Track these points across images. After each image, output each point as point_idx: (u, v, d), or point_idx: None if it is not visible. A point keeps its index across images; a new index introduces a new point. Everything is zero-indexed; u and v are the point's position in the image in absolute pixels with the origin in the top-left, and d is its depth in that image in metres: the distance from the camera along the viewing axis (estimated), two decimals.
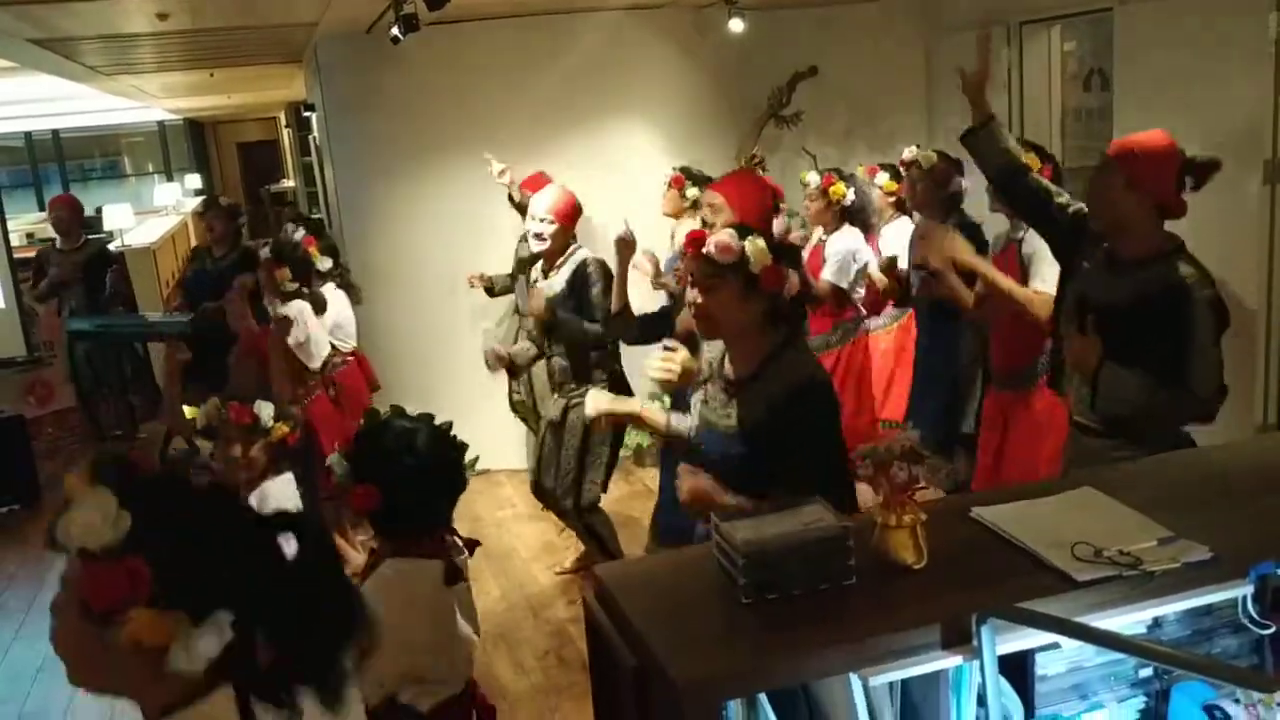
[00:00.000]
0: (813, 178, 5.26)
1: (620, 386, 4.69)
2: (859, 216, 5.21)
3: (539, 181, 5.66)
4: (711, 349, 2.71)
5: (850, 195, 5.16)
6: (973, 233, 4.41)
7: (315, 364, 5.13)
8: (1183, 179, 2.80)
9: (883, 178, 5.27)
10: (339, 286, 5.57)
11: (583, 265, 4.62)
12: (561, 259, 4.68)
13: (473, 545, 2.62)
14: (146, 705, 1.34)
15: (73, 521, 1.27)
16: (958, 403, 4.49)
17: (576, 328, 4.58)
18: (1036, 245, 3.81)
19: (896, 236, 5.16)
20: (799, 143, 6.59)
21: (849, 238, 5.16)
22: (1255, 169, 4.54)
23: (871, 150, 6.53)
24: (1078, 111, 6.57)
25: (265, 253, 5.37)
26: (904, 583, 1.74)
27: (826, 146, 6.60)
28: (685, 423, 2.77)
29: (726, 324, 2.52)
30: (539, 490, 4.96)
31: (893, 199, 5.26)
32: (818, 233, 5.28)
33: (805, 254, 5.34)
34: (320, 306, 5.17)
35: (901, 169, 4.96)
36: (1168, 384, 2.73)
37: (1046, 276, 3.75)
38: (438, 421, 2.58)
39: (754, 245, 2.44)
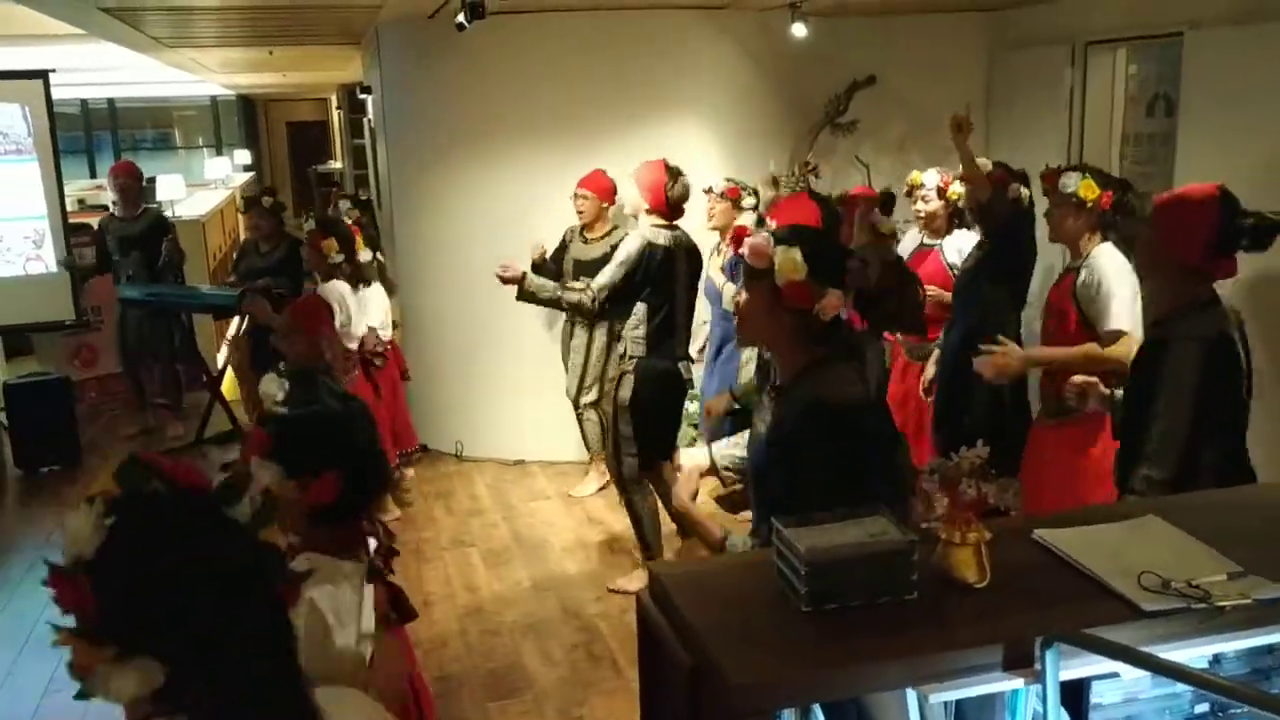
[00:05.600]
0: (929, 178, 5.06)
1: (672, 380, 4.70)
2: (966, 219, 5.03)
3: (598, 180, 5.67)
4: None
5: (963, 198, 4.91)
6: (1018, 237, 4.37)
7: (353, 344, 5.19)
8: (1226, 238, 2.63)
9: (957, 187, 4.95)
10: (378, 279, 5.68)
11: (624, 239, 4.73)
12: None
13: (391, 554, 2.45)
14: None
15: (67, 525, 1.26)
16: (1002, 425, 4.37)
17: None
18: (1101, 278, 3.62)
19: (961, 246, 4.96)
20: (853, 151, 6.55)
21: (969, 240, 4.91)
22: None
23: (926, 163, 6.46)
24: (1138, 136, 6.50)
25: (309, 225, 5.45)
26: (965, 601, 1.72)
27: (881, 156, 6.56)
28: (739, 545, 2.73)
29: (755, 330, 2.45)
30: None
31: (951, 209, 5.03)
32: (917, 237, 5.16)
33: (913, 258, 5.20)
34: (361, 280, 5.24)
35: (959, 183, 4.89)
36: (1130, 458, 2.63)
37: (1118, 313, 3.59)
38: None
39: (785, 255, 2.28)
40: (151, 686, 1.22)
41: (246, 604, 1.28)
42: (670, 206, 4.69)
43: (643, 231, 4.66)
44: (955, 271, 4.92)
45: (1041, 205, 4.03)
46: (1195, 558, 1.81)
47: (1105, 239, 3.75)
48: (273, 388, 3.39)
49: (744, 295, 2.42)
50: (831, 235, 4.29)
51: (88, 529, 1.24)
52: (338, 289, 5.09)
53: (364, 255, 5.61)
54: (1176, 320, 2.69)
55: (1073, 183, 3.72)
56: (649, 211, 4.70)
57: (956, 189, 4.93)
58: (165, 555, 1.25)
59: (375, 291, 5.66)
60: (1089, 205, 3.70)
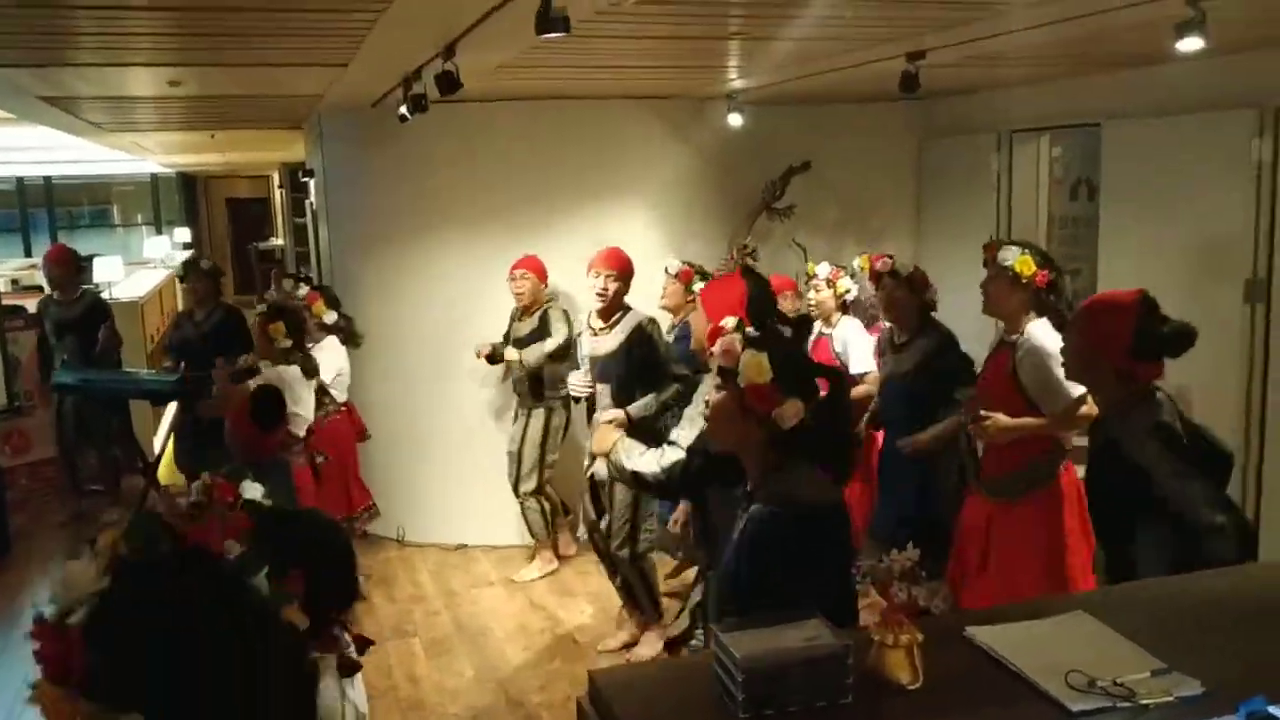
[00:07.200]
0: (822, 269, 5.34)
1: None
2: (859, 309, 5.40)
3: (535, 262, 5.81)
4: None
5: (854, 290, 5.33)
6: (951, 352, 4.44)
7: (300, 432, 5.14)
8: (1146, 344, 2.67)
9: (845, 281, 5.31)
10: (342, 341, 5.68)
11: (639, 328, 4.82)
12: (617, 317, 4.87)
13: (365, 644, 2.50)
14: None
15: (65, 572, 1.19)
16: (937, 506, 4.40)
17: (651, 418, 4.68)
18: (1045, 356, 3.69)
19: (853, 338, 5.25)
20: (790, 234, 6.70)
21: (854, 327, 5.27)
22: (1236, 287, 4.65)
23: (860, 244, 6.63)
24: (1064, 219, 6.72)
25: (259, 309, 5.44)
26: (899, 703, 1.75)
27: (817, 239, 6.71)
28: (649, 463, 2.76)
29: (723, 431, 2.40)
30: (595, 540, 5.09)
31: (840, 301, 5.32)
32: (818, 325, 5.36)
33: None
34: (311, 371, 5.21)
35: (873, 283, 4.94)
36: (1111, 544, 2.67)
37: (1061, 379, 3.57)
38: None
39: (750, 357, 2.29)
40: None
41: (255, 670, 1.20)
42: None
43: (640, 314, 4.89)
44: (843, 358, 5.16)
45: (978, 276, 4.08)
46: (1121, 655, 1.86)
47: (1040, 316, 3.80)
48: (253, 492, 3.35)
49: (714, 394, 2.40)
50: (766, 314, 4.47)
51: (86, 579, 1.17)
52: (289, 375, 5.05)
53: (329, 317, 5.64)
54: (1117, 420, 2.71)
55: (1011, 256, 3.79)
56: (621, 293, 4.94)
57: (845, 283, 5.27)
58: (168, 614, 1.17)
59: (340, 353, 5.67)
60: (1024, 281, 3.76)
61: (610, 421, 4.64)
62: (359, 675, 2.38)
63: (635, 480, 2.86)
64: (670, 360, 4.83)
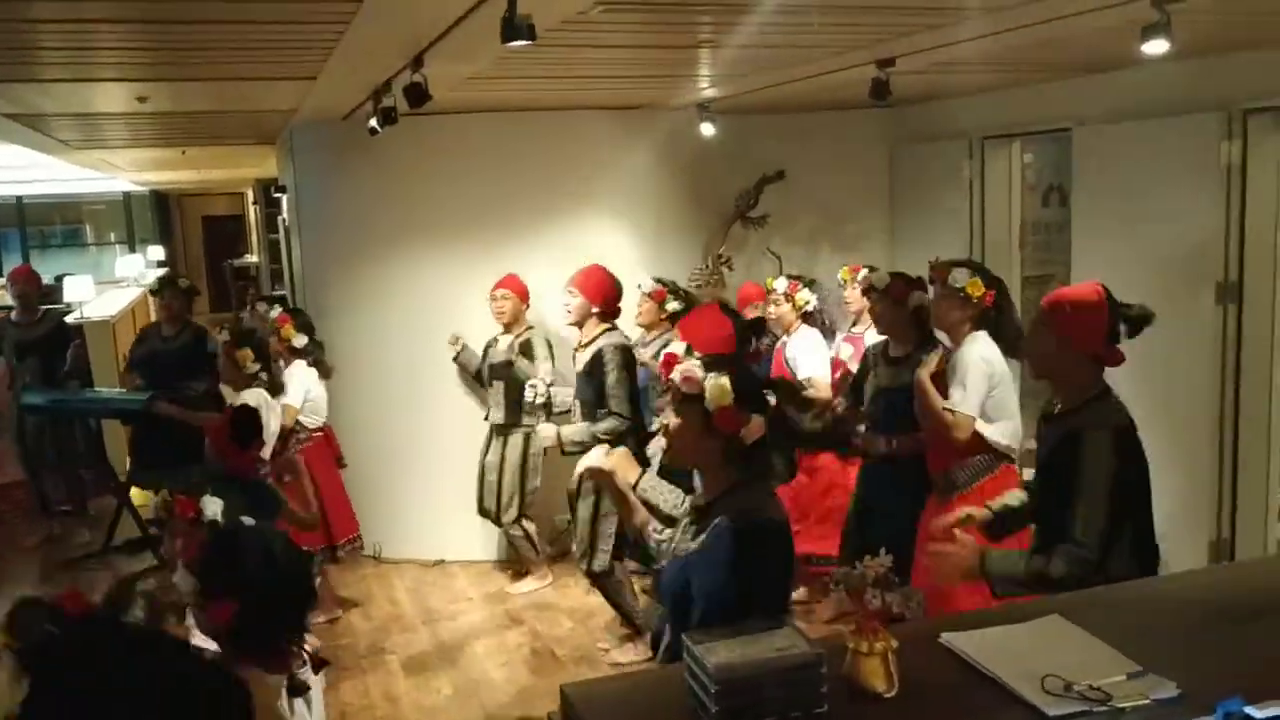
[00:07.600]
0: (779, 284, 5.47)
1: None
2: (817, 319, 5.51)
3: (516, 281, 5.78)
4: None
5: (813, 301, 5.44)
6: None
7: (266, 452, 5.10)
8: (1115, 330, 2.81)
9: (804, 294, 5.45)
10: (311, 364, 5.62)
11: (599, 353, 4.81)
12: (593, 336, 4.89)
13: (320, 665, 2.48)
14: None
15: None
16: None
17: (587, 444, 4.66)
18: (960, 362, 3.98)
19: (803, 346, 5.39)
20: (765, 243, 6.70)
21: (810, 337, 5.40)
22: (1208, 289, 4.67)
23: (835, 252, 6.66)
24: (1036, 225, 6.76)
25: (223, 336, 5.40)
26: (875, 712, 1.74)
27: (792, 248, 6.72)
28: (666, 498, 2.76)
29: (687, 452, 2.52)
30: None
31: (799, 312, 5.46)
32: (783, 337, 5.43)
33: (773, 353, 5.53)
34: (278, 389, 5.18)
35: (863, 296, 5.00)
36: (1050, 542, 2.67)
37: (964, 391, 3.94)
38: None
39: (715, 383, 2.38)
40: None
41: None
42: (614, 308, 4.97)
43: (612, 339, 4.87)
44: (792, 366, 5.33)
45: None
46: (1096, 658, 1.85)
47: (981, 329, 4.05)
48: (213, 508, 3.31)
49: (673, 419, 2.49)
50: (745, 354, 4.59)
51: (5, 685, 1.24)
52: (255, 397, 5.02)
53: (299, 340, 5.61)
54: (1081, 413, 2.79)
55: (962, 278, 4.02)
56: (597, 314, 4.90)
57: (803, 296, 5.42)
58: (94, 690, 1.23)
59: (310, 377, 5.61)
60: (974, 300, 4.00)
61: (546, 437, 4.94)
62: (317, 694, 2.35)
63: (651, 509, 2.87)
64: (619, 394, 4.74)
